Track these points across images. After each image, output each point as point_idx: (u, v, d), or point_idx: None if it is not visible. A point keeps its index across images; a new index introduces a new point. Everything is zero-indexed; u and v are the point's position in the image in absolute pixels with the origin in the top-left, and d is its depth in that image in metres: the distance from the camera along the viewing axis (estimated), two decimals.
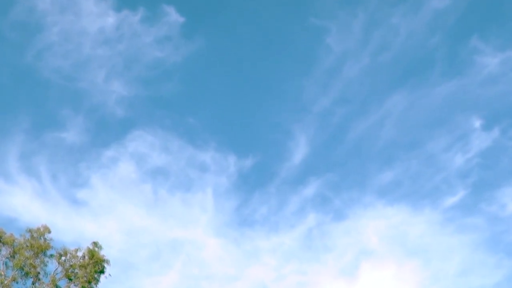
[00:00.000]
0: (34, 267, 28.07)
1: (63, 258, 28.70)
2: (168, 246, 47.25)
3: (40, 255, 28.55)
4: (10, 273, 27.75)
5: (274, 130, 54.31)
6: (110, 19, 51.38)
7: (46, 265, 28.68)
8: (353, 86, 54.51)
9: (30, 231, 29.19)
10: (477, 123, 50.76)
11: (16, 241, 28.62)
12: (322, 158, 53.76)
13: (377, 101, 54.19)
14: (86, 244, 29.24)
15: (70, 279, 28.07)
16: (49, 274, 28.56)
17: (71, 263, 28.56)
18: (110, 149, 50.74)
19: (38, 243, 28.74)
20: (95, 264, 28.46)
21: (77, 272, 28.17)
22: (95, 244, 29.16)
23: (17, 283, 27.68)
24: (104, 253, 29.16)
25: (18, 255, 28.06)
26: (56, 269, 28.67)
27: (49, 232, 29.43)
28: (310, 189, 51.92)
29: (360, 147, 53.99)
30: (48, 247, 28.96)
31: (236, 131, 55.49)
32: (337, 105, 54.10)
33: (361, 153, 53.97)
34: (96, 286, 28.44)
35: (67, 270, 28.28)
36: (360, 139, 53.73)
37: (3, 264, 28.06)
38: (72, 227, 42.29)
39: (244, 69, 55.64)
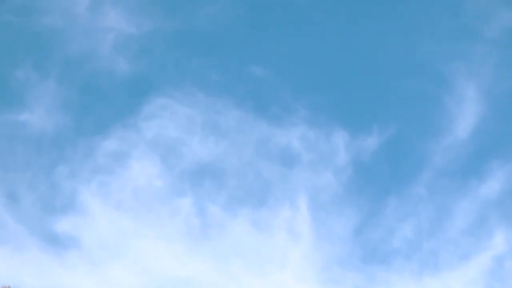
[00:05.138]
0: None
1: None
2: None
3: None
4: None
5: (416, 78, 52.99)
6: None
7: None
8: None
9: None
10: None
11: None
12: None
13: None
14: None
15: None
16: None
17: None
18: (111, 138, 50.61)
19: None
20: None
21: None
22: None
23: None
24: None
25: None
26: None
27: None
28: (492, 185, 50.33)
29: None
30: None
31: (343, 84, 54.22)
32: None
33: None
34: None
35: None
36: None
37: None
38: (53, 286, 43.13)
39: None
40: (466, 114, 52.25)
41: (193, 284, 47.32)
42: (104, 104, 52.81)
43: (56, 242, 47.00)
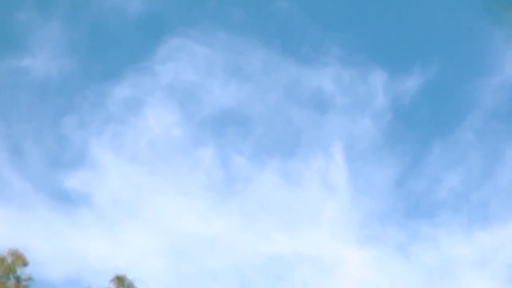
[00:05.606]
0: None
1: None
2: (261, 272, 46.40)
3: None
4: None
5: (460, 11, 51.81)
6: None
7: None
8: None
9: None
10: None
11: None
12: None
13: None
14: (100, 282, 30.49)
15: None
16: None
17: None
18: (123, 84, 50.41)
19: None
20: None
21: None
22: (119, 280, 30.43)
23: None
24: None
25: None
26: None
27: (25, 263, 30.42)
28: None
29: None
30: None
31: (380, 19, 53.68)
32: None
33: None
34: None
35: None
36: None
37: None
38: (64, 249, 42.73)
39: None
40: None
41: (217, 244, 46.96)
42: (114, 47, 52.99)
43: (65, 200, 46.72)
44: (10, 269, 29.94)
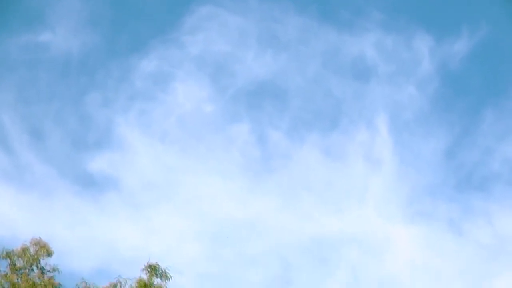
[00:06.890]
0: None
1: None
2: (303, 255, 46.41)
3: None
4: None
5: None
6: None
7: None
8: None
9: (8, 255, 29.57)
10: None
11: None
12: None
13: None
14: (131, 272, 30.06)
15: None
16: None
17: None
18: (149, 57, 50.02)
19: (28, 281, 29.22)
20: None
21: None
22: (151, 269, 29.95)
23: None
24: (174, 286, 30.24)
25: None
26: None
27: (49, 253, 30.12)
28: None
29: None
30: (52, 287, 29.69)
31: None
32: None
33: None
34: None
35: None
36: None
37: None
38: (90, 237, 42.44)
39: None
40: None
41: (256, 226, 46.66)
42: (139, 18, 52.07)
43: (90, 184, 46.62)
44: (34, 260, 29.50)
